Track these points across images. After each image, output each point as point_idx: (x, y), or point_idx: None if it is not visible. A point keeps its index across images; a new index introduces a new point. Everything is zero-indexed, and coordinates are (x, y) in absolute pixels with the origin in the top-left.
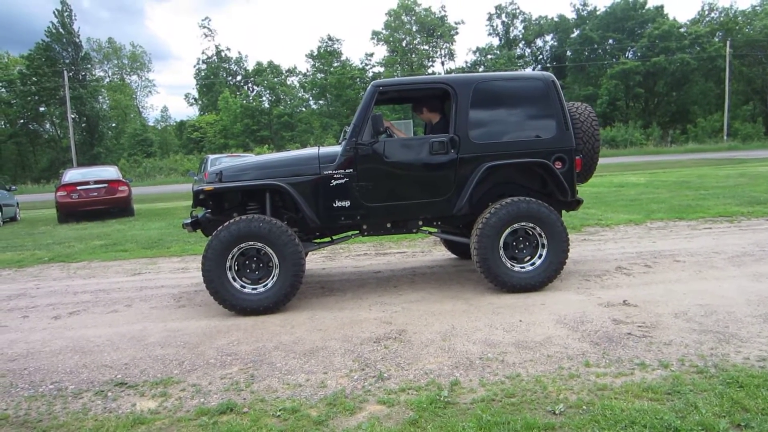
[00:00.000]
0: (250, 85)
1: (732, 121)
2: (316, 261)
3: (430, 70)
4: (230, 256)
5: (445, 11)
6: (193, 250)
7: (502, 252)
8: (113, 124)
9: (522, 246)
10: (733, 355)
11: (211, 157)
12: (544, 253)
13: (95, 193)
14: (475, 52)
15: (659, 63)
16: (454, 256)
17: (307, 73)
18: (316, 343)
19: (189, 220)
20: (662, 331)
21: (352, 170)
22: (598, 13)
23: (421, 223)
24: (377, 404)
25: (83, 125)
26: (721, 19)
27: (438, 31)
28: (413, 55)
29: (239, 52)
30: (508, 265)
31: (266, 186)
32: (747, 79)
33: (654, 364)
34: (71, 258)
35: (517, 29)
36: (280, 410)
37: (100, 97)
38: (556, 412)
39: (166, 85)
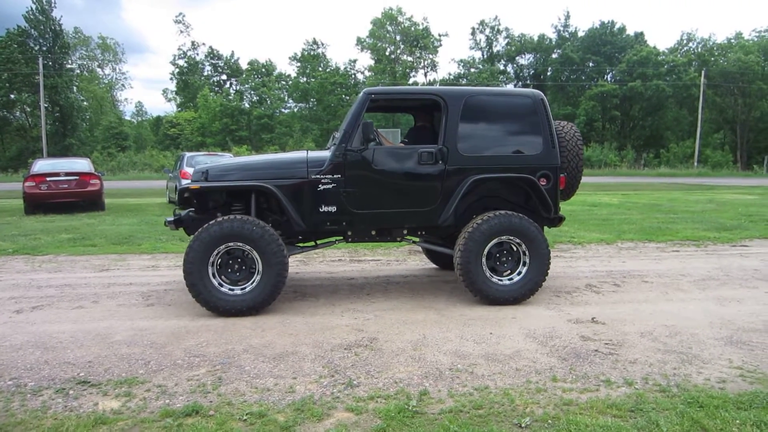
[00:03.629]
0: (232, 83)
1: (703, 148)
2: (291, 265)
3: (412, 80)
4: (215, 252)
5: (427, 22)
6: (165, 248)
7: (484, 264)
8: (88, 116)
9: (504, 260)
10: (695, 375)
11: (188, 154)
12: (525, 268)
13: (65, 186)
14: (458, 64)
15: (636, 88)
16: (429, 266)
17: (290, 76)
18: (287, 348)
19: (172, 218)
20: (628, 349)
21: (340, 176)
22: (579, 35)
23: (405, 232)
24: (345, 411)
25: (56, 115)
26: (698, 49)
27: (422, 42)
28: (397, 65)
29: (233, 51)
30: (489, 277)
31: (253, 187)
32: (719, 108)
33: (619, 382)
34: (37, 251)
35: (500, 45)
36: (246, 414)
37: (75, 87)
38: (523, 425)
39: (143, 79)
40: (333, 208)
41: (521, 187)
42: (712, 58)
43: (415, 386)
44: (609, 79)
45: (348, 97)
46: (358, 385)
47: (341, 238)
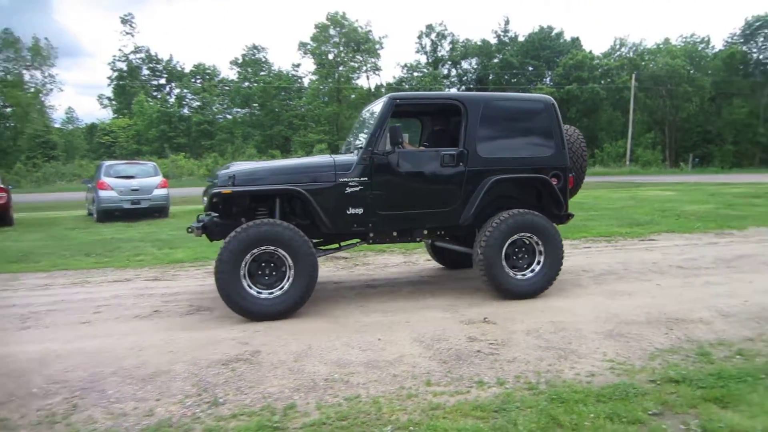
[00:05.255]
0: (171, 87)
1: (635, 147)
2: (196, 277)
3: (354, 83)
4: (248, 256)
5: (370, 27)
6: (66, 265)
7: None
8: (10, 124)
9: (521, 256)
10: (567, 371)
11: (106, 164)
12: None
13: None
14: (403, 68)
15: (572, 91)
16: (339, 273)
17: (232, 81)
18: (161, 367)
19: (197, 224)
20: (510, 348)
21: (367, 179)
22: (519, 40)
23: (426, 232)
24: None
25: None
26: (630, 54)
27: (365, 45)
28: (341, 68)
29: (171, 55)
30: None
31: (284, 191)
32: (650, 110)
33: (491, 382)
34: None
35: (445, 50)
36: None
37: None
38: None
39: (76, 84)
40: (360, 210)
41: (534, 187)
42: (643, 62)
43: (283, 400)
44: (548, 82)
45: (292, 102)
46: (224, 403)
47: (360, 240)
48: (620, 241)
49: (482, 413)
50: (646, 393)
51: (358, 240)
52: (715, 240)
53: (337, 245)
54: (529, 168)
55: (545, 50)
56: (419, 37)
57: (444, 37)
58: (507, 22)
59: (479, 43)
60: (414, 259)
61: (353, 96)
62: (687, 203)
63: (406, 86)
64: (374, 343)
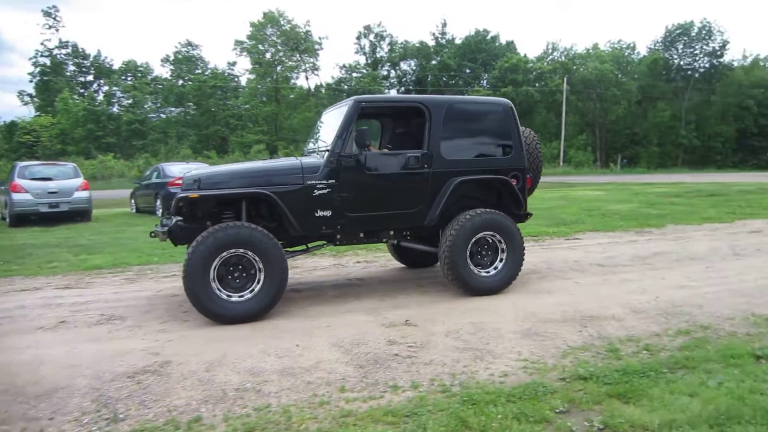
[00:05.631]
0: (99, 84)
1: (567, 149)
2: (112, 284)
3: (292, 83)
4: (217, 260)
5: (309, 26)
6: None
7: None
8: None
9: (484, 254)
10: (482, 372)
11: (20, 165)
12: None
13: None
14: (342, 69)
15: (508, 93)
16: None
17: (167, 79)
18: (60, 383)
19: (161, 228)
20: (428, 350)
21: (334, 181)
22: (456, 42)
23: (392, 233)
24: None
25: None
26: (562, 58)
27: (303, 45)
28: (279, 67)
29: (99, 50)
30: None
31: (252, 194)
32: (581, 112)
33: (406, 386)
34: None
35: (383, 51)
36: None
37: None
38: None
39: None
40: (328, 213)
41: (494, 187)
42: (574, 67)
43: (189, 413)
44: (484, 84)
45: (229, 101)
46: (124, 418)
47: (325, 242)
48: (547, 241)
49: (393, 418)
50: (555, 391)
51: (325, 242)
52: (636, 238)
53: (303, 247)
54: (490, 169)
55: (481, 53)
56: (358, 38)
57: (383, 38)
58: (444, 25)
59: (417, 44)
60: (344, 261)
61: (292, 96)
62: (613, 203)
63: (346, 87)
64: (292, 349)
